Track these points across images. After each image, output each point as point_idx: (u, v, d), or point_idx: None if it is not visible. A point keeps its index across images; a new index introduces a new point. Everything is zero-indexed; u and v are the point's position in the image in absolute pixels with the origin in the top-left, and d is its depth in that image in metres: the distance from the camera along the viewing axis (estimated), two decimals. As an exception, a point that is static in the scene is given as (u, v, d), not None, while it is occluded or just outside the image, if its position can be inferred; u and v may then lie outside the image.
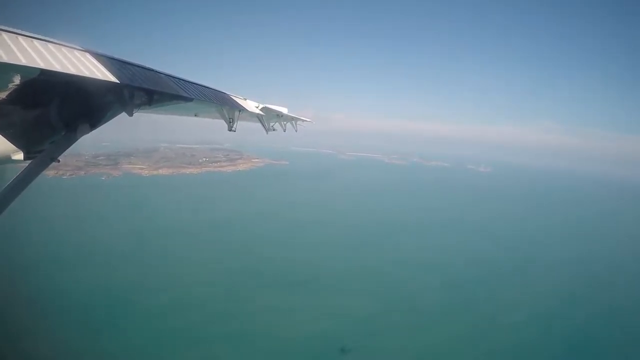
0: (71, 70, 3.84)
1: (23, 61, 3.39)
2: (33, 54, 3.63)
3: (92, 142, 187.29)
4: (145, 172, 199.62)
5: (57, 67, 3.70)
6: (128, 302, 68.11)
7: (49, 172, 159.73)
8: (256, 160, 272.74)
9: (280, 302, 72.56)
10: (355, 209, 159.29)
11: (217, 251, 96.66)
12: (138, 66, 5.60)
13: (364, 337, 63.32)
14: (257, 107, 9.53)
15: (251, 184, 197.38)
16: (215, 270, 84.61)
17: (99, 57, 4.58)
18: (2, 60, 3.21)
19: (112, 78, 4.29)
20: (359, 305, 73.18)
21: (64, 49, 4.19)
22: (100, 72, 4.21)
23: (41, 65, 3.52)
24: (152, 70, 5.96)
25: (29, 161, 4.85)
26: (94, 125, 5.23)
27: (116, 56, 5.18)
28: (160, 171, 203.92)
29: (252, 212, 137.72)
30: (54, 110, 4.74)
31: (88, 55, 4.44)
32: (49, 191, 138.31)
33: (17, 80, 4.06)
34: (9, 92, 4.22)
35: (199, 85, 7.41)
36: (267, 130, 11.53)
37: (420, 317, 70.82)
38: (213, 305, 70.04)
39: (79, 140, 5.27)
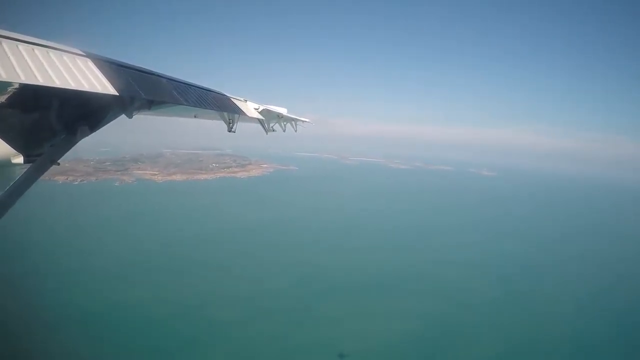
0: (71, 85, 3.86)
1: (22, 78, 3.40)
2: (33, 67, 3.62)
3: (91, 146, 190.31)
4: (159, 177, 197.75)
5: (57, 82, 3.71)
6: (201, 317, 64.78)
7: (59, 178, 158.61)
8: (265, 165, 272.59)
9: (352, 307, 72.45)
10: (379, 212, 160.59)
11: (267, 259, 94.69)
12: (139, 70, 5.62)
13: (448, 336, 65.31)
14: (257, 109, 9.55)
15: (271, 189, 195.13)
16: (272, 278, 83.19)
17: (100, 62, 4.59)
18: (1, 79, 3.25)
19: (112, 90, 4.30)
20: (428, 305, 74.94)
21: (65, 57, 4.19)
22: (100, 84, 4.23)
23: (40, 81, 3.54)
24: (153, 73, 5.99)
25: (29, 164, 4.83)
26: (93, 127, 5.25)
27: (117, 60, 5.24)
28: (173, 177, 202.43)
29: (286, 218, 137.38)
30: (54, 113, 4.75)
31: (89, 62, 4.44)
32: (68, 198, 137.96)
33: (16, 84, 4.10)
34: (8, 95, 4.25)
35: (200, 88, 7.41)
36: (266, 131, 11.51)
37: (484, 314, 74.20)
38: (283, 316, 67.93)
39: (78, 144, 5.32)
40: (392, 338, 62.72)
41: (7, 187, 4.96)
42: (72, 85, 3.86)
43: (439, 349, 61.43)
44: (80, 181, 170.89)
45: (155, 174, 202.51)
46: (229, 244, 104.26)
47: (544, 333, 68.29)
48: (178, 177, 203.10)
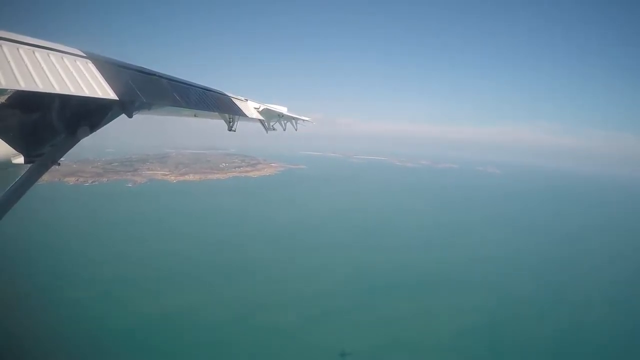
0: (71, 90, 3.86)
1: (22, 85, 3.40)
2: (33, 72, 3.60)
3: (95, 147, 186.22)
4: (171, 178, 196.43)
5: (56, 88, 3.70)
6: (256, 325, 63.12)
7: (69, 179, 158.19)
8: (275, 165, 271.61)
9: (409, 304, 73.88)
10: (401, 210, 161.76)
11: (307, 260, 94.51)
12: (139, 71, 5.64)
13: (505, 326, 69.08)
14: (257, 109, 9.62)
15: (288, 189, 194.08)
16: (319, 279, 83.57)
17: (101, 64, 4.58)
18: (1, 87, 3.29)
19: (113, 95, 4.30)
20: (478, 300, 77.94)
21: (65, 59, 4.17)
22: (100, 89, 4.22)
23: (40, 88, 3.55)
24: (154, 74, 6.02)
25: (30, 164, 4.85)
26: (93, 127, 5.27)
27: (117, 60, 5.25)
28: (186, 177, 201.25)
29: (314, 218, 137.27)
30: (54, 113, 4.76)
31: (90, 64, 4.43)
32: (85, 200, 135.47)
33: None
34: (8, 95, 4.27)
35: (200, 88, 7.49)
36: (267, 130, 11.58)
37: (530, 306, 78.34)
38: (341, 317, 67.49)
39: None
40: (456, 332, 65.32)
41: (8, 188, 4.94)
42: (72, 91, 3.87)
43: (500, 337, 65.19)
44: (92, 182, 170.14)
45: (167, 174, 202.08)
46: (267, 246, 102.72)
47: (585, 320, 73.15)
48: (191, 178, 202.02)
